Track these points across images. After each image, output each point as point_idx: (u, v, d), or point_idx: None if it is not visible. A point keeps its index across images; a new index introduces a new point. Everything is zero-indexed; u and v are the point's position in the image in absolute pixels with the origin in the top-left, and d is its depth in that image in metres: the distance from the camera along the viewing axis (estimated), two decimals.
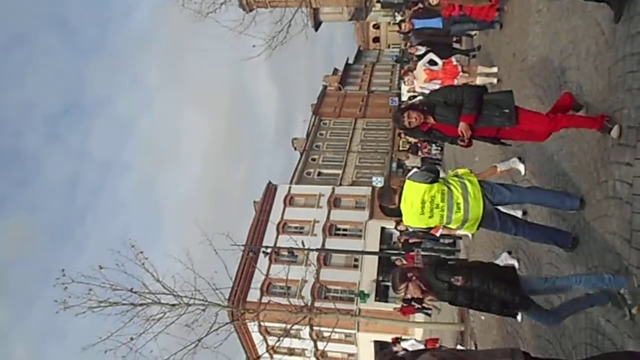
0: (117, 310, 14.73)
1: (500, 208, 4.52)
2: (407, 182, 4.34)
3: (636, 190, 3.37)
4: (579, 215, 4.40)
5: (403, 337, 11.87)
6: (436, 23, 10.38)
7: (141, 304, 15.28)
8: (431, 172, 4.33)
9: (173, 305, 15.59)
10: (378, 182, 34.39)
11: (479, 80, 9.36)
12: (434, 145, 22.17)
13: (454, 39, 12.37)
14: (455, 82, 9.18)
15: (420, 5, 12.26)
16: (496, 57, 9.55)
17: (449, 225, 4.39)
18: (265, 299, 23.19)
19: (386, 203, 4.56)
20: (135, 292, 15.20)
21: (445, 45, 11.09)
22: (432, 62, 9.51)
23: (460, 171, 4.52)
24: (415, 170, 4.46)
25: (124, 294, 14.92)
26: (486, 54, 10.61)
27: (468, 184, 4.28)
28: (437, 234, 8.97)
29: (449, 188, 4.25)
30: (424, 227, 4.41)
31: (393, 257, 17.53)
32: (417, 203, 4.22)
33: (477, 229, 4.42)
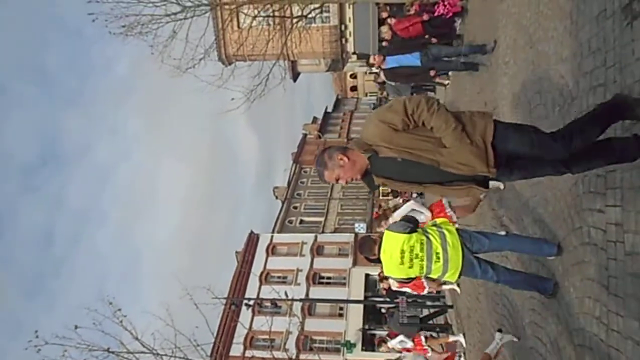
0: None
1: (480, 256, 4.56)
2: (386, 232, 4.40)
3: (610, 237, 3.43)
4: (557, 262, 4.45)
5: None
6: (413, 60, 8.69)
7: None
8: (409, 222, 4.38)
9: None
10: (360, 228, 34.41)
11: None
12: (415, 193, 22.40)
13: (436, 77, 11.04)
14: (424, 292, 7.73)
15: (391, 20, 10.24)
16: (468, 105, 9.85)
17: (430, 275, 4.40)
18: (248, 354, 22.52)
19: (366, 254, 4.60)
20: (113, 352, 14.71)
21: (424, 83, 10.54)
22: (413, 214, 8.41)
23: (438, 220, 4.60)
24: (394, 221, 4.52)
25: (101, 354, 14.44)
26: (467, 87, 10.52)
27: (447, 233, 4.34)
28: (423, 292, 8.20)
29: (427, 238, 4.30)
30: (405, 277, 4.41)
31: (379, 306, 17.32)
32: (396, 253, 4.25)
33: (459, 277, 4.44)
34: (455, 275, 4.37)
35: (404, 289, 7.87)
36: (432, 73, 9.49)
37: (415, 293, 7.87)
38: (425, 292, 7.64)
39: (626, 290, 3.17)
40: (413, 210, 6.82)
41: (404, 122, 2.89)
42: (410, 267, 4.27)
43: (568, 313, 4.19)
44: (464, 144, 2.84)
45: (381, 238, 4.51)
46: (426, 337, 10.87)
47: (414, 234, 4.31)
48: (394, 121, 2.90)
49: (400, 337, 11.08)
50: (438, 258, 4.25)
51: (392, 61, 8.82)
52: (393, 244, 4.31)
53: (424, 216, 6.91)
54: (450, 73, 10.44)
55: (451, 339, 10.80)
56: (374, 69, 9.22)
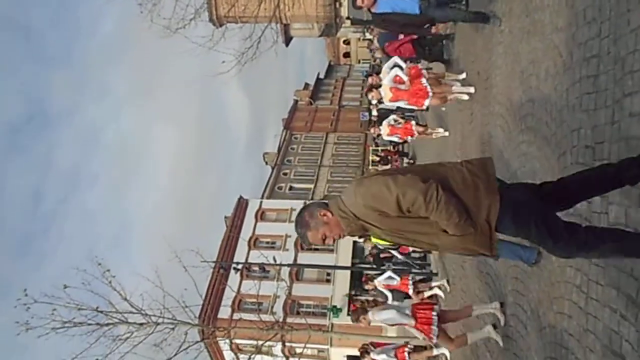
0: (82, 330, 14.39)
1: None
2: None
3: (595, 207, 3.47)
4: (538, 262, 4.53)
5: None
6: (411, 6, 7.20)
7: (107, 324, 14.93)
8: None
9: (141, 324, 15.27)
10: None
11: (452, 95, 8.68)
12: (405, 158, 22.41)
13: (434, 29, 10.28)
14: (425, 103, 8.45)
15: None
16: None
17: None
18: (236, 316, 22.86)
19: None
20: (102, 312, 14.86)
21: (422, 40, 9.62)
22: (398, 69, 8.23)
23: None
24: None
25: (90, 313, 14.59)
26: (452, 61, 10.38)
27: None
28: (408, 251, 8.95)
29: None
30: (390, 242, 4.45)
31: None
32: None
33: None
34: None
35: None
36: (433, 30, 9.09)
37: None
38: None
39: (607, 260, 3.23)
40: (396, 65, 8.20)
41: (398, 212, 2.55)
42: None
43: (549, 281, 4.28)
44: (468, 233, 2.55)
45: None
46: (414, 282, 11.07)
47: None
48: (383, 209, 2.55)
49: (389, 273, 11.23)
50: None
51: (384, 4, 7.18)
52: None
53: (404, 85, 8.20)
54: (454, 90, 8.71)
55: (434, 284, 11.15)
56: (363, 8, 7.30)
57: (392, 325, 6.16)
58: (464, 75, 8.79)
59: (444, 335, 6.13)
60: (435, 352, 10.37)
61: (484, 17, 7.06)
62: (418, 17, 7.25)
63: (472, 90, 8.27)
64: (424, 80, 8.18)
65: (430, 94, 8.20)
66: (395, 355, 10.36)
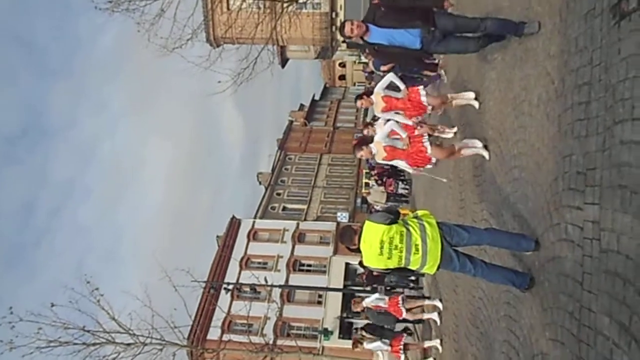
0: (68, 350, 14.16)
1: (459, 249, 4.60)
2: (367, 222, 4.44)
3: (586, 234, 3.48)
4: (534, 257, 4.51)
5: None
6: (410, 40, 5.49)
7: (94, 344, 14.70)
8: (390, 213, 4.41)
9: (128, 344, 15.04)
10: (343, 217, 34.56)
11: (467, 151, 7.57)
12: (400, 182, 21.42)
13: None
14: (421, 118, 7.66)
15: None
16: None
17: (409, 267, 4.44)
18: (226, 337, 22.55)
19: (346, 243, 4.62)
20: (88, 331, 14.64)
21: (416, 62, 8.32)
22: (392, 87, 7.41)
23: (419, 212, 4.62)
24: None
25: (76, 332, 14.38)
26: (449, 115, 9.73)
27: (427, 225, 4.39)
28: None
29: (407, 230, 4.34)
30: (383, 267, 4.44)
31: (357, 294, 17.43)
32: (375, 244, 4.29)
33: (437, 269, 4.48)
34: (433, 267, 4.42)
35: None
36: (430, 72, 8.85)
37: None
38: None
39: (600, 286, 3.22)
40: (391, 83, 7.32)
41: None
42: (389, 257, 4.33)
43: (542, 307, 4.26)
44: None
45: (362, 228, 4.55)
46: (403, 299, 10.88)
47: (394, 225, 4.36)
48: None
49: (377, 295, 11.13)
50: (417, 250, 4.30)
51: (378, 35, 5.61)
52: (373, 234, 4.35)
53: (401, 94, 7.39)
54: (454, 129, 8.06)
55: (427, 302, 10.89)
56: (352, 40, 5.94)
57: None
58: (472, 95, 7.67)
59: None
60: (426, 344, 10.26)
61: (498, 37, 5.72)
62: (418, 52, 5.82)
63: (484, 153, 6.77)
64: (422, 91, 7.23)
65: (433, 160, 6.96)
66: (390, 345, 10.16)
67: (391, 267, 4.43)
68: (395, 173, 21.05)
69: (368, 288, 15.33)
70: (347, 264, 29.02)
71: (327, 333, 26.48)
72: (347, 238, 4.65)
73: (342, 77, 59.84)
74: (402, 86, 7.19)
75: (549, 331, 4.05)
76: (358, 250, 4.60)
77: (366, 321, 13.36)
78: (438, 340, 9.78)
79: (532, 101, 4.89)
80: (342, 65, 56.77)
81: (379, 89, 7.25)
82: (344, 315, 27.24)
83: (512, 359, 5.00)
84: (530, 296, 4.58)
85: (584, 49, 3.70)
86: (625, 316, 2.87)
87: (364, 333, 11.35)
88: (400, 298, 10.89)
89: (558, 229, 4.01)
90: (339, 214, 35.23)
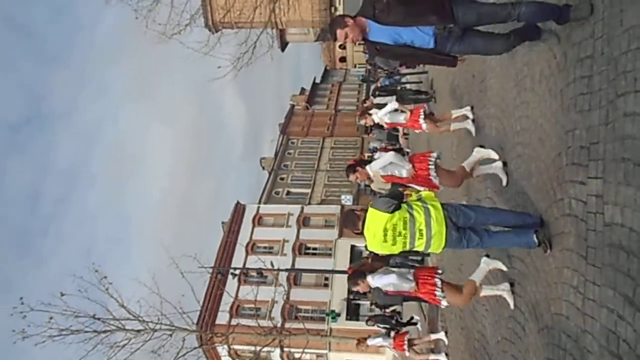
0: (80, 338, 14.38)
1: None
2: (370, 209, 4.39)
3: (590, 208, 3.48)
4: (538, 233, 4.51)
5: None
6: (422, 37, 4.24)
7: (105, 331, 14.91)
8: (394, 199, 4.37)
9: (138, 331, 15.24)
10: (347, 200, 34.60)
11: (453, 127, 8.10)
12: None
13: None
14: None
15: None
16: (457, 78, 9.80)
17: (414, 249, 4.42)
18: (234, 322, 22.79)
19: (350, 229, 4.61)
20: (99, 319, 14.83)
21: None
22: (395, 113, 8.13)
23: (424, 194, 4.57)
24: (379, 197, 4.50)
25: (87, 320, 14.59)
26: (451, 92, 9.81)
27: (431, 208, 4.34)
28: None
29: (411, 215, 4.30)
30: (387, 253, 4.44)
31: None
32: (379, 231, 4.28)
33: (443, 249, 4.45)
34: (439, 249, 4.40)
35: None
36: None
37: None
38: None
39: (604, 260, 3.23)
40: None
41: None
42: (394, 244, 4.31)
43: (547, 283, 4.28)
44: None
45: (365, 213, 4.51)
46: (409, 340, 10.21)
47: (397, 212, 4.32)
48: None
49: (380, 339, 10.58)
50: (421, 235, 4.28)
51: (380, 33, 4.31)
52: (376, 222, 4.32)
53: (403, 117, 7.91)
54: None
55: (432, 337, 10.10)
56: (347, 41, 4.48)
57: (393, 290, 5.46)
58: (467, 109, 7.77)
59: (450, 289, 5.35)
60: (432, 336, 10.12)
61: (533, 33, 4.51)
62: (429, 52, 4.43)
63: (467, 109, 7.43)
64: (431, 168, 5.82)
65: (440, 187, 5.98)
66: (393, 339, 10.05)
67: (396, 252, 4.43)
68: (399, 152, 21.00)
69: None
70: (352, 247, 29.15)
71: (334, 315, 26.71)
72: (350, 224, 4.64)
73: (343, 59, 59.34)
74: (407, 166, 5.83)
75: (553, 306, 4.08)
76: (362, 235, 4.59)
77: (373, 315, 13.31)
78: (443, 333, 9.62)
79: (534, 76, 4.85)
80: (342, 47, 56.28)
81: (378, 168, 5.93)
82: (351, 297, 27.45)
83: (518, 334, 5.05)
84: (534, 272, 4.60)
85: (586, 22, 3.65)
86: (630, 288, 2.88)
87: (374, 323, 11.31)
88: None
89: (562, 205, 4.01)
90: (343, 196, 35.26)
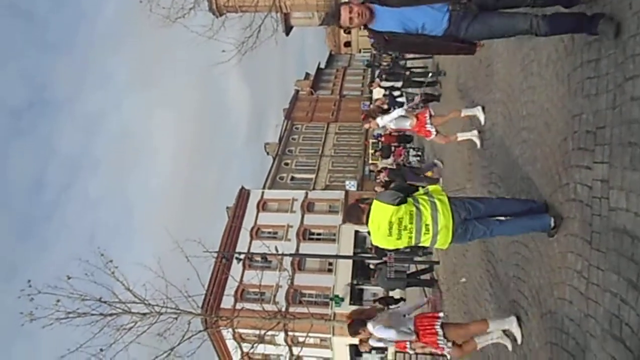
0: (86, 320, 14.51)
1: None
2: (375, 202, 4.24)
3: (595, 193, 3.47)
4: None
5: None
6: (434, 18, 3.79)
7: (111, 314, 15.06)
8: (400, 192, 4.24)
9: (144, 314, 15.39)
10: (351, 186, 34.62)
11: (460, 137, 8.25)
12: (412, 150, 18.81)
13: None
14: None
15: None
16: (462, 63, 9.73)
17: (420, 244, 4.33)
18: (239, 306, 22.98)
19: (354, 222, 4.54)
20: (105, 302, 14.97)
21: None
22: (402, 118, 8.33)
23: (430, 188, 4.44)
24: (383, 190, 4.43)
25: (93, 304, 14.70)
26: (462, 96, 9.44)
27: (438, 202, 4.17)
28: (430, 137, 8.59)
29: (418, 208, 4.15)
30: (392, 247, 4.36)
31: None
32: (384, 225, 4.13)
33: (449, 245, 4.30)
34: (445, 245, 4.26)
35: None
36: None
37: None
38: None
39: (608, 245, 3.23)
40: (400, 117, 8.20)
41: None
42: (399, 238, 4.17)
43: (550, 267, 4.29)
44: None
45: (370, 206, 4.34)
46: (430, 114, 8.30)
47: (403, 206, 4.16)
48: None
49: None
50: (427, 230, 4.13)
51: (390, 19, 3.92)
52: (381, 215, 4.17)
53: (409, 123, 8.22)
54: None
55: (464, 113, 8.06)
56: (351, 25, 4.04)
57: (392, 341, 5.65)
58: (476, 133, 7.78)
59: (451, 331, 5.43)
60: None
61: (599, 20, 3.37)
62: (440, 39, 3.94)
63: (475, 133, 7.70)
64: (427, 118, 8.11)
65: (434, 134, 8.26)
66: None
67: (401, 247, 4.35)
68: (404, 139, 18.90)
69: (376, 255, 15.33)
70: (356, 232, 29.22)
71: (338, 300, 26.88)
72: (354, 217, 4.51)
73: (348, 44, 58.83)
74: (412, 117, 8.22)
75: (557, 290, 4.09)
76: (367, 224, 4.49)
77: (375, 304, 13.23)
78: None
79: (541, 61, 4.81)
80: (347, 31, 55.79)
81: (388, 120, 8.40)
82: (355, 282, 27.59)
83: (521, 318, 5.07)
84: (538, 257, 4.61)
85: (595, 4, 3.61)
86: (633, 272, 2.89)
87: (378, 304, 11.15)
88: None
89: (567, 189, 4.00)
90: (347, 182, 35.26)
